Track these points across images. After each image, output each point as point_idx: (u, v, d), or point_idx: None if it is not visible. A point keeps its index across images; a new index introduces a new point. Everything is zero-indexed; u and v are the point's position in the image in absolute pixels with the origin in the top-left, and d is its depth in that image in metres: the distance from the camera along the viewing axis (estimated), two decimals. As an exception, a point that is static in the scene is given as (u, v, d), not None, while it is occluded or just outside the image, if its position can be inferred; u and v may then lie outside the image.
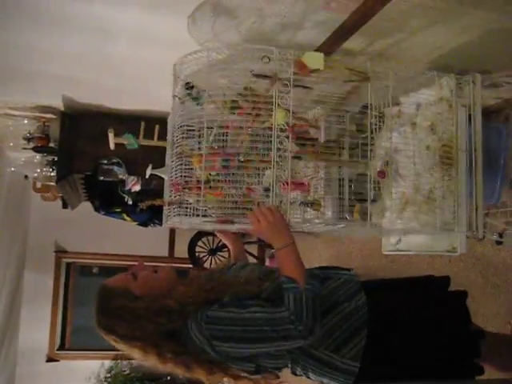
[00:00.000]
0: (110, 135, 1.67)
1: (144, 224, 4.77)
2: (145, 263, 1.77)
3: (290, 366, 1.74)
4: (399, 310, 1.81)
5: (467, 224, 1.98)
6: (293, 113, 1.66)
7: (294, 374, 1.78)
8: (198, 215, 1.73)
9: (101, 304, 1.68)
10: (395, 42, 2.24)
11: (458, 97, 1.99)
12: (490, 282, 2.92)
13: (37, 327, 6.18)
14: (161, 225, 1.94)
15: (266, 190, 1.71)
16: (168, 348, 1.60)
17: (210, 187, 1.68)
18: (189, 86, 1.78)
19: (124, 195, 4.11)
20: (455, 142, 1.93)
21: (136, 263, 1.77)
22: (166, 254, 6.55)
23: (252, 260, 5.92)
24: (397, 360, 1.73)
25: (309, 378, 1.77)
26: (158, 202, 1.81)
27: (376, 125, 1.82)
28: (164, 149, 1.96)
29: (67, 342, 6.60)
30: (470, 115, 2.06)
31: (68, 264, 6.63)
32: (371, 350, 1.69)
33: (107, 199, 4.43)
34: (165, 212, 1.86)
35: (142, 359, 1.65)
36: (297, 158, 1.73)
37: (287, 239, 1.66)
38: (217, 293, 1.66)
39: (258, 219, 1.65)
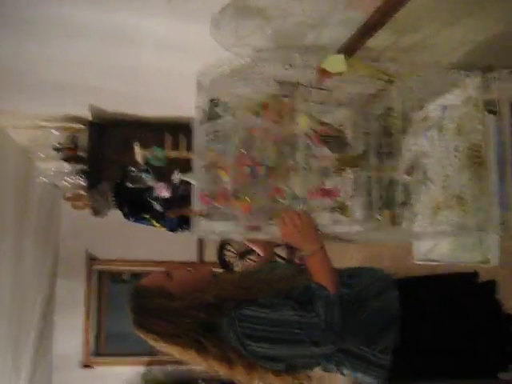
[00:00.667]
0: (136, 148, 1.67)
1: (173, 229, 4.79)
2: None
3: (321, 363, 1.72)
4: (429, 303, 1.78)
5: (500, 224, 1.93)
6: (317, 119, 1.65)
7: (326, 370, 1.76)
8: (226, 220, 1.73)
9: (137, 304, 1.67)
10: (419, 38, 2.20)
11: (484, 95, 1.94)
12: (526, 279, 2.84)
13: (71, 334, 6.22)
14: (189, 230, 1.93)
15: (295, 197, 1.70)
16: (209, 342, 1.58)
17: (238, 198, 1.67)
18: (215, 103, 1.78)
19: (152, 202, 4.13)
20: (483, 141, 1.88)
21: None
22: (195, 258, 6.55)
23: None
24: (428, 352, 1.70)
25: (342, 373, 1.75)
26: (185, 213, 1.81)
27: (401, 127, 1.79)
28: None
29: (102, 348, 6.64)
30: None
31: (100, 271, 6.70)
32: (403, 344, 1.67)
33: (136, 206, 4.46)
34: (193, 223, 1.86)
35: (181, 357, 1.64)
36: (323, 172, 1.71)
37: (316, 244, 1.64)
38: (254, 292, 1.64)
39: (285, 223, 1.64)
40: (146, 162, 1.85)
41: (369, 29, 2.08)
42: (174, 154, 1.78)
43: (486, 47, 2.22)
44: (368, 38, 2.16)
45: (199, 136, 1.87)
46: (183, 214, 1.80)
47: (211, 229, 1.80)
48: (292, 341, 1.54)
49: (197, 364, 1.65)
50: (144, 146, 1.82)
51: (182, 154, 1.77)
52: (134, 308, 1.67)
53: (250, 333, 1.55)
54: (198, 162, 1.86)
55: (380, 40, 2.20)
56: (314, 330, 1.53)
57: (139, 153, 1.70)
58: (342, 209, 1.84)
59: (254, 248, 2.16)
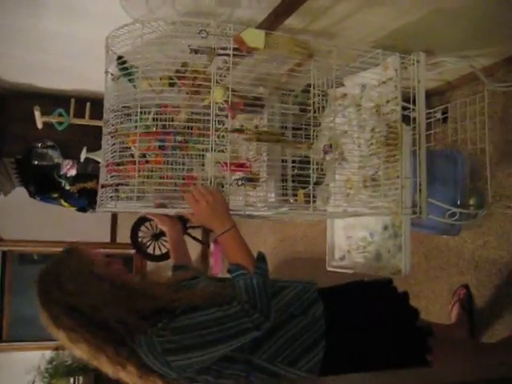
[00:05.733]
0: (37, 113, 1.54)
1: (83, 209, 4.59)
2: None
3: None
4: (351, 315, 1.71)
5: (411, 206, 1.95)
6: (233, 91, 1.57)
7: None
8: (133, 198, 1.61)
9: (56, 262, 1.55)
10: (338, 20, 2.18)
11: (402, 77, 1.95)
12: (433, 265, 2.94)
13: (-29, 319, 5.91)
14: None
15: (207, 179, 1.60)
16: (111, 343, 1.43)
17: (147, 162, 1.57)
18: (121, 61, 1.66)
19: (60, 180, 3.94)
20: (400, 123, 1.89)
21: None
22: (108, 239, 6.39)
23: (196, 245, 5.85)
24: (354, 363, 1.64)
25: None
26: (89, 185, 1.69)
27: (319, 104, 1.76)
28: (99, 131, 1.84)
29: (4, 334, 6.35)
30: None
31: (4, 252, 6.36)
32: (329, 360, 1.59)
33: (43, 184, 4.24)
34: (99, 196, 1.73)
35: (69, 345, 1.47)
36: (238, 130, 1.64)
37: (229, 223, 1.56)
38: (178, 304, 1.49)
39: (197, 200, 1.54)
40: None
41: (287, 7, 2.03)
42: (78, 120, 1.65)
43: (404, 32, 2.23)
44: (287, 17, 2.12)
45: (109, 102, 1.75)
46: (86, 187, 1.68)
47: (118, 204, 1.68)
48: (216, 340, 1.41)
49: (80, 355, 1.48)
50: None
51: (87, 121, 1.65)
52: (50, 267, 1.54)
53: (171, 346, 1.39)
54: (105, 130, 1.74)
55: (296, 21, 2.16)
56: (236, 318, 1.42)
57: (39, 118, 1.56)
58: (252, 179, 1.77)
59: (160, 226, 2.04)
